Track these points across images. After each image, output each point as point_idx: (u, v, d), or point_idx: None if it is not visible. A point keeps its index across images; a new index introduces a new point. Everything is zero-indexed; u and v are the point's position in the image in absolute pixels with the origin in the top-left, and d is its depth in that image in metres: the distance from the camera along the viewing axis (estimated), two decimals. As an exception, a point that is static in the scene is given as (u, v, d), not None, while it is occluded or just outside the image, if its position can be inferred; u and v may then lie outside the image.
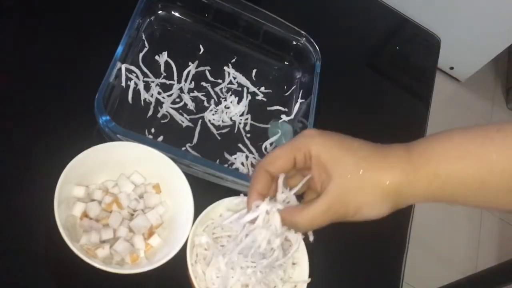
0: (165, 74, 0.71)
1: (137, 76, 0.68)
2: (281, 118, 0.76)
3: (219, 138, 0.70)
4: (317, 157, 0.44)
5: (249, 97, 0.75)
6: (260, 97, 0.76)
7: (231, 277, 0.55)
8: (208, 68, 0.75)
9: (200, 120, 0.69)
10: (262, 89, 0.77)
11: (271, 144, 0.73)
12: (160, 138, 0.65)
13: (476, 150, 0.40)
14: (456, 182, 0.40)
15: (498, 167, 0.39)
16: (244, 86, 0.76)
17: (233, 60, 0.77)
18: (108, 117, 0.58)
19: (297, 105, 0.77)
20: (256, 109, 0.74)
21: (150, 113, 0.67)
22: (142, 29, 0.72)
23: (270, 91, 0.78)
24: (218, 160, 0.67)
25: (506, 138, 0.39)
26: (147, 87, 0.68)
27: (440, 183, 0.41)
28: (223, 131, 0.70)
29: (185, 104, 0.70)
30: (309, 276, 0.59)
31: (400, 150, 0.43)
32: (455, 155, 0.40)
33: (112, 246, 0.53)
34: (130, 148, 0.58)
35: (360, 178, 0.42)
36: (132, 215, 0.57)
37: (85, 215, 0.55)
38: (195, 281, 0.54)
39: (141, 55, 0.70)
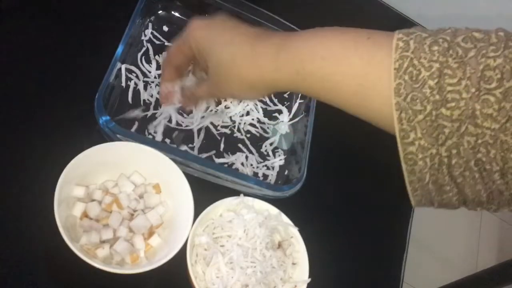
0: (165, 74, 0.71)
1: (137, 76, 0.68)
2: (281, 118, 0.76)
3: (219, 138, 0.70)
4: (197, 49, 0.51)
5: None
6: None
7: (231, 277, 0.55)
8: (208, 68, 0.75)
9: (200, 120, 0.69)
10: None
11: (271, 144, 0.73)
12: (160, 138, 0.65)
13: (340, 53, 0.42)
14: (314, 80, 0.44)
15: (352, 72, 0.41)
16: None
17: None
18: (108, 117, 0.58)
19: (297, 105, 0.77)
20: (256, 109, 0.74)
21: (150, 113, 0.67)
22: (142, 29, 0.72)
23: (270, 91, 0.78)
24: (218, 160, 0.67)
25: (373, 46, 0.40)
26: (147, 87, 0.68)
27: (301, 80, 0.44)
28: (223, 131, 0.70)
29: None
30: (309, 276, 0.59)
31: (272, 47, 0.46)
32: (319, 55, 0.43)
33: (112, 246, 0.53)
34: (130, 148, 0.58)
35: (230, 73, 0.48)
36: (132, 215, 0.57)
37: (85, 215, 0.55)
38: (195, 281, 0.54)
39: (140, 55, 0.70)
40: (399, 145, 0.38)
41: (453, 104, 0.35)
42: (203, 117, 0.69)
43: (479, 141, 0.35)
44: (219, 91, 0.53)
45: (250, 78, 0.47)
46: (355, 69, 0.41)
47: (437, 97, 0.36)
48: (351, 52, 0.41)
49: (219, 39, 0.49)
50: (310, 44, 0.44)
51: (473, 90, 0.35)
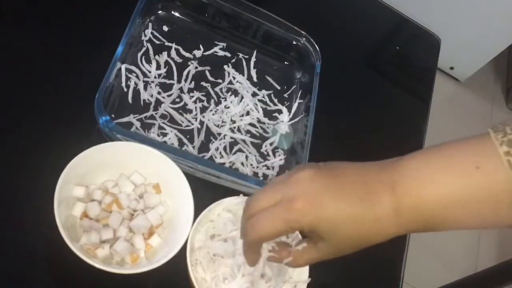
0: (165, 74, 0.71)
1: (137, 76, 0.68)
2: (281, 118, 0.76)
3: (219, 138, 0.70)
4: (310, 231, 0.45)
5: (249, 97, 0.75)
6: (260, 97, 0.76)
7: (231, 277, 0.55)
8: (208, 68, 0.75)
9: (200, 120, 0.69)
10: (262, 89, 0.77)
11: (271, 144, 0.73)
12: (160, 138, 0.65)
13: (459, 194, 0.41)
14: (442, 227, 0.43)
15: (478, 215, 0.41)
16: (244, 86, 0.76)
17: (233, 60, 0.77)
18: (108, 117, 0.58)
19: (297, 104, 0.77)
20: (256, 109, 0.74)
21: (150, 113, 0.67)
22: (142, 29, 0.72)
23: (270, 91, 0.78)
24: (218, 160, 0.67)
25: (486, 175, 0.40)
26: (147, 87, 0.68)
27: (429, 228, 0.44)
28: (223, 131, 0.70)
29: (185, 104, 0.70)
30: (309, 276, 0.59)
31: (389, 209, 0.43)
32: (442, 211, 0.42)
33: (112, 246, 0.53)
34: (130, 148, 0.58)
35: (353, 244, 0.46)
36: (132, 215, 0.57)
37: (85, 215, 0.55)
38: (195, 282, 0.54)
39: (140, 55, 0.70)
40: None
41: None
42: (203, 116, 0.70)
43: None
44: (334, 256, 0.47)
45: (376, 241, 0.45)
46: (480, 204, 0.41)
47: None
48: (471, 190, 0.41)
49: (338, 220, 0.43)
50: (424, 193, 0.42)
51: None
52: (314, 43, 0.80)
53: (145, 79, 0.69)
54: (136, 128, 0.64)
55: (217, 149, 0.68)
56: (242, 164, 0.68)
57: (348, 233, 0.44)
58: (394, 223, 0.43)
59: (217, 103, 0.72)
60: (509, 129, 0.40)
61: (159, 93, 0.69)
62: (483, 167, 0.40)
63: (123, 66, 0.66)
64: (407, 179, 0.43)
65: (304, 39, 0.80)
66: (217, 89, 0.74)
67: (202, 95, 0.72)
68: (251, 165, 0.69)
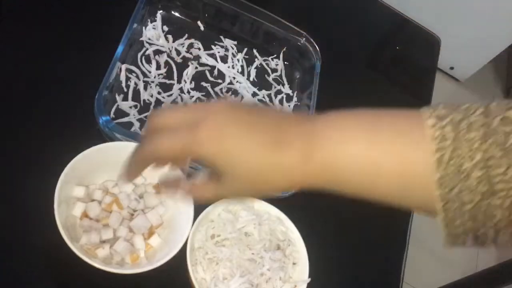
0: (165, 74, 0.71)
1: (137, 76, 0.68)
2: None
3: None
4: (207, 162, 0.42)
5: (249, 97, 0.75)
6: (260, 97, 0.76)
7: (231, 277, 0.55)
8: (208, 68, 0.75)
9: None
10: (262, 89, 0.77)
11: (271, 144, 0.73)
12: (160, 138, 0.65)
13: (373, 156, 0.39)
14: (348, 186, 0.42)
15: (389, 173, 0.39)
16: (244, 86, 0.76)
17: (233, 60, 0.77)
18: (108, 117, 0.58)
19: (297, 105, 0.77)
20: (256, 109, 0.74)
21: (150, 113, 0.67)
22: (142, 29, 0.72)
23: (270, 91, 0.78)
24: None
25: (406, 144, 0.39)
26: (147, 87, 0.68)
27: (334, 186, 0.42)
28: (223, 131, 0.70)
29: (185, 104, 0.70)
30: (309, 276, 0.59)
31: (297, 156, 0.41)
32: (351, 163, 0.40)
33: (112, 246, 0.53)
34: (130, 148, 0.57)
35: (254, 186, 0.43)
36: (132, 215, 0.57)
37: (85, 215, 0.55)
38: (195, 282, 0.54)
39: (140, 55, 0.70)
40: (442, 227, 0.38)
41: (503, 193, 0.34)
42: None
43: None
44: (233, 196, 0.47)
45: (279, 187, 0.43)
46: (393, 173, 0.39)
47: (485, 188, 0.34)
48: (388, 156, 0.39)
49: (237, 154, 0.41)
50: (338, 152, 0.40)
51: None
52: (314, 43, 0.80)
53: (145, 79, 0.69)
54: (136, 128, 0.64)
55: None
56: (242, 164, 0.68)
57: (248, 171, 0.41)
58: (301, 171, 0.41)
59: (217, 103, 0.72)
60: (442, 106, 0.38)
61: (159, 93, 0.69)
62: (405, 136, 0.39)
63: (123, 66, 0.66)
64: (328, 131, 0.41)
65: (304, 39, 0.80)
66: (217, 89, 0.74)
67: (202, 95, 0.72)
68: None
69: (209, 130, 0.40)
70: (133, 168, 0.46)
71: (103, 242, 0.53)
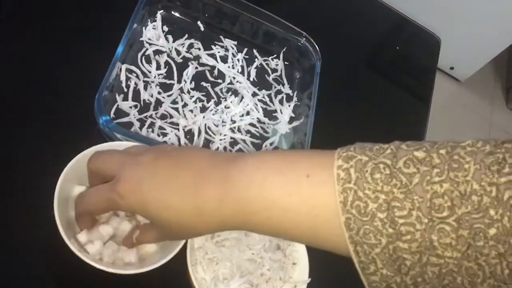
0: (165, 74, 0.71)
1: (137, 76, 0.68)
2: (281, 118, 0.76)
3: (219, 138, 0.70)
4: (133, 212, 0.49)
5: (249, 97, 0.75)
6: (260, 97, 0.76)
7: (231, 278, 0.55)
8: (208, 68, 0.75)
9: (200, 120, 0.69)
10: (263, 89, 0.77)
11: (271, 144, 0.73)
12: (160, 138, 0.65)
13: (284, 201, 0.39)
14: (263, 229, 0.42)
15: (299, 218, 0.39)
16: (244, 86, 0.76)
17: (233, 60, 0.77)
18: (108, 117, 0.58)
19: (297, 105, 0.77)
20: (256, 109, 0.74)
21: (150, 113, 0.67)
22: (142, 29, 0.72)
23: (270, 91, 0.78)
24: (218, 160, 0.67)
25: (314, 185, 0.38)
26: (147, 87, 0.68)
27: (250, 228, 0.43)
28: (223, 131, 0.70)
29: (185, 104, 0.70)
30: (309, 276, 0.59)
31: (214, 201, 0.42)
32: (263, 207, 0.40)
33: (119, 227, 0.53)
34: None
35: (178, 231, 0.46)
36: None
37: (85, 215, 0.55)
38: (195, 282, 0.54)
39: (140, 55, 0.70)
40: (361, 275, 0.37)
41: (408, 237, 0.34)
42: (203, 117, 0.70)
43: (444, 270, 0.33)
44: (171, 239, 0.51)
45: (200, 232, 0.45)
46: (301, 216, 0.39)
47: (390, 230, 0.34)
48: (294, 198, 0.39)
49: (156, 206, 0.43)
50: (251, 193, 0.41)
51: (425, 220, 0.33)
52: (314, 43, 0.80)
53: (145, 79, 0.69)
54: (136, 128, 0.64)
55: (217, 149, 0.68)
56: (242, 164, 0.68)
57: (170, 220, 0.44)
58: (218, 216, 0.42)
59: (217, 103, 0.72)
60: (353, 147, 0.38)
61: (159, 93, 0.69)
62: (314, 177, 0.38)
63: (123, 66, 0.66)
64: (240, 175, 0.41)
65: (304, 39, 0.80)
66: (217, 89, 0.74)
67: (202, 95, 0.72)
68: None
69: (126, 186, 0.44)
70: (81, 221, 0.51)
71: (103, 242, 0.53)
